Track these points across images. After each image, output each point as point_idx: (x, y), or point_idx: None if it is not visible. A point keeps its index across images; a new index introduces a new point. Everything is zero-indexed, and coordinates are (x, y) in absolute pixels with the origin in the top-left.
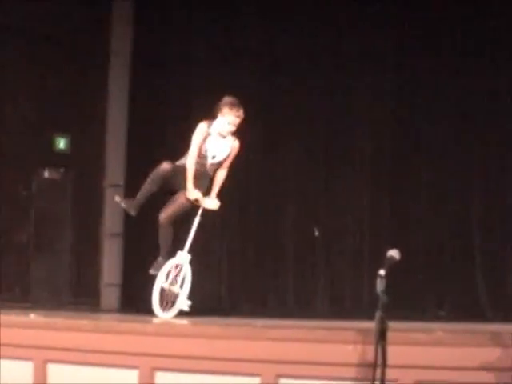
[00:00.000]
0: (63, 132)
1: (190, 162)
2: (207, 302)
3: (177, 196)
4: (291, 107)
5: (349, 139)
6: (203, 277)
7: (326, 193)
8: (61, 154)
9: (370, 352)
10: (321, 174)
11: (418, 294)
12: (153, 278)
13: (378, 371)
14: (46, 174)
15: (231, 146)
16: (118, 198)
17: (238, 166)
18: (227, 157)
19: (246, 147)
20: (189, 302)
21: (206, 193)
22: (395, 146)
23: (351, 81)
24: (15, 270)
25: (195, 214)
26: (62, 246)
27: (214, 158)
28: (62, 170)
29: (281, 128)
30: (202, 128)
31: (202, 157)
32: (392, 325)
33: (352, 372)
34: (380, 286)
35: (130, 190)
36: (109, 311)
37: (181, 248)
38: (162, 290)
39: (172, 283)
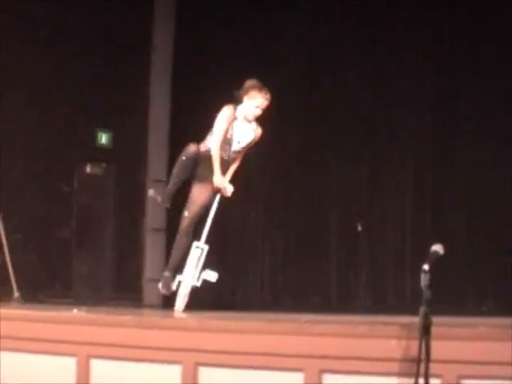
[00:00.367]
0: (105, 127)
1: (215, 147)
2: (250, 297)
3: (195, 193)
4: (332, 100)
5: (392, 135)
6: (246, 272)
7: (369, 188)
8: (103, 149)
9: (413, 347)
10: (364, 169)
11: (460, 289)
12: None
13: (422, 366)
14: (88, 170)
15: (255, 131)
16: (151, 192)
17: (279, 161)
18: (250, 143)
19: (287, 142)
20: (215, 274)
21: None
22: (438, 142)
23: (395, 77)
24: (57, 266)
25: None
26: (103, 242)
27: (238, 143)
28: (104, 165)
29: (321, 123)
30: (228, 112)
31: (226, 142)
32: (435, 320)
33: (395, 367)
34: (424, 280)
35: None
36: (151, 307)
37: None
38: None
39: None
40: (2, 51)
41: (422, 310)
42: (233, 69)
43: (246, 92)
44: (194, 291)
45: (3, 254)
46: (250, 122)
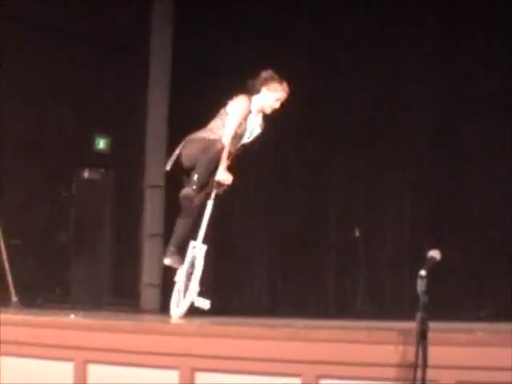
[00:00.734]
0: (103, 132)
1: (227, 139)
2: (248, 302)
3: None
4: (330, 105)
5: (390, 142)
6: (244, 278)
7: (367, 193)
8: (101, 155)
9: (410, 352)
10: (362, 174)
11: (458, 295)
12: None
13: (419, 372)
14: (86, 175)
15: (261, 125)
16: (168, 261)
17: (276, 167)
18: (256, 137)
19: (288, 145)
20: (207, 302)
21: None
22: (437, 148)
23: (395, 80)
24: (55, 271)
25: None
26: (101, 247)
27: (248, 137)
28: (102, 170)
29: (320, 127)
30: (245, 103)
31: (237, 135)
32: (432, 325)
33: (392, 373)
34: (421, 286)
35: (170, 191)
36: (149, 312)
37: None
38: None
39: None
40: None
41: (419, 315)
42: (232, 72)
43: (266, 83)
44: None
45: (2, 258)
46: (263, 114)
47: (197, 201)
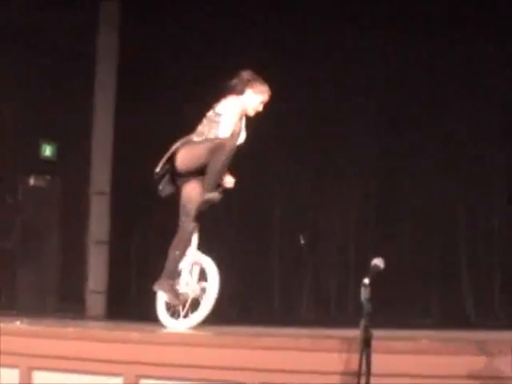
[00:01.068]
0: (49, 139)
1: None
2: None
3: (196, 186)
4: (281, 112)
5: (337, 148)
6: None
7: (312, 200)
8: (47, 162)
9: (354, 360)
10: (308, 181)
11: (404, 302)
12: (139, 285)
13: (363, 380)
14: (32, 182)
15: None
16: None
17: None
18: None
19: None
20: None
21: None
22: (383, 155)
23: (344, 84)
24: (1, 278)
25: None
26: (48, 254)
27: (242, 139)
28: (48, 177)
29: (268, 135)
30: (238, 103)
31: (234, 136)
32: (377, 333)
33: (336, 380)
34: (364, 294)
35: (116, 198)
36: (94, 318)
37: None
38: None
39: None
40: None
41: (363, 323)
42: (178, 80)
43: (250, 84)
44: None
45: None
46: (247, 118)
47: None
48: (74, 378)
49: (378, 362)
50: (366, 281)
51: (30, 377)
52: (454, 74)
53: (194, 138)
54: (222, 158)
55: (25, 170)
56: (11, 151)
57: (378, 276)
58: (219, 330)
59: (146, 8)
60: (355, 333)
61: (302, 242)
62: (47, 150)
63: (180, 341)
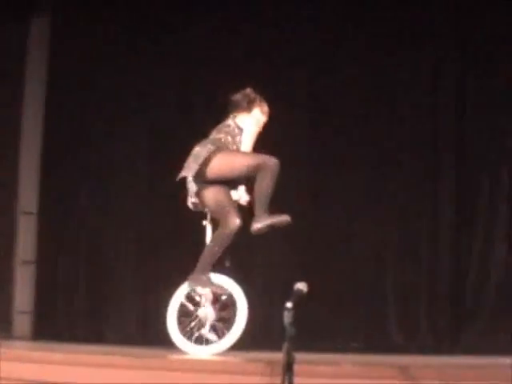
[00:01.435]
0: None
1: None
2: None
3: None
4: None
5: None
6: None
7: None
8: None
9: None
10: None
11: (331, 326)
12: (66, 305)
13: None
14: None
15: None
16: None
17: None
18: None
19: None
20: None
21: None
22: (310, 181)
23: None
24: None
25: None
26: None
27: None
28: None
29: None
30: (256, 122)
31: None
32: (301, 357)
33: None
34: (287, 318)
35: (43, 218)
36: (21, 338)
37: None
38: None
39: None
40: None
41: (285, 347)
42: (111, 98)
43: (258, 103)
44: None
45: None
46: None
47: None
48: None
49: None
50: (289, 305)
51: None
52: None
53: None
54: (272, 180)
55: None
56: None
57: (302, 300)
58: (144, 353)
59: (78, 24)
60: (279, 356)
61: (227, 264)
62: None
63: (101, 363)
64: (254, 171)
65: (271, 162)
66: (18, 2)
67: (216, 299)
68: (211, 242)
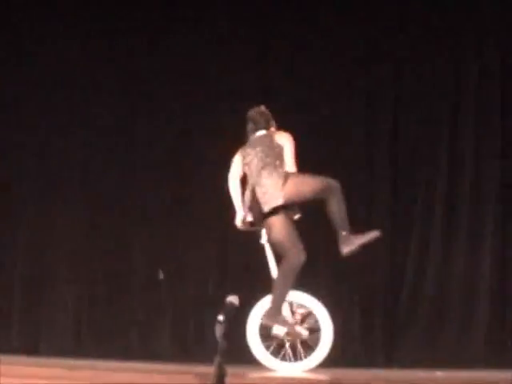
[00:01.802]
0: None
1: None
2: (53, 343)
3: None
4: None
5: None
6: (51, 315)
7: (172, 235)
8: None
9: None
10: (166, 216)
11: None
12: None
13: None
14: None
15: None
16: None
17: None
18: None
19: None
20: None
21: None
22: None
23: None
24: None
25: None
26: None
27: None
28: None
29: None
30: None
31: None
32: (233, 370)
33: None
34: (219, 331)
35: None
36: None
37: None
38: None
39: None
40: None
41: (217, 360)
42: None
43: (273, 122)
44: None
45: None
46: None
47: None
48: None
49: None
50: (221, 318)
51: None
52: None
53: (271, 168)
54: (343, 200)
55: None
56: None
57: (234, 313)
58: (75, 364)
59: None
60: (210, 369)
61: (161, 276)
62: None
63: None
64: (320, 195)
65: (334, 183)
66: None
67: (303, 319)
68: (281, 278)
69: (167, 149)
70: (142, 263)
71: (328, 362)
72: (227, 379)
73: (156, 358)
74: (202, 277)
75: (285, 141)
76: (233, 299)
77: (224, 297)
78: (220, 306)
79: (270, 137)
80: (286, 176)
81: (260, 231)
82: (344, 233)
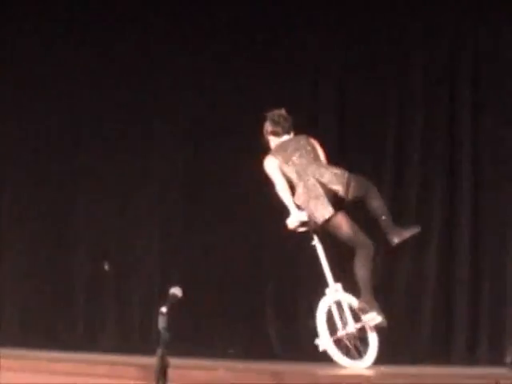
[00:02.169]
0: None
1: None
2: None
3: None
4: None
5: (143, 171)
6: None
7: (117, 226)
8: None
9: None
10: (113, 207)
11: (209, 332)
12: None
13: None
14: None
15: None
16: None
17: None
18: None
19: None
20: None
21: None
22: (189, 174)
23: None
24: None
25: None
26: None
27: None
28: None
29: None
30: None
31: None
32: (177, 362)
33: None
34: (162, 322)
35: None
36: None
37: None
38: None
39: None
40: None
41: (159, 351)
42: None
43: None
44: None
45: None
46: None
47: None
48: None
49: None
50: (164, 309)
51: None
52: None
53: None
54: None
55: None
56: None
57: (179, 305)
58: (20, 354)
59: None
60: (152, 361)
61: (106, 268)
62: None
63: None
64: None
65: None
66: None
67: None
68: (363, 267)
69: None
70: (87, 256)
71: (274, 356)
72: (170, 371)
73: (101, 349)
74: (147, 269)
75: (318, 147)
76: (176, 291)
77: (168, 289)
78: (164, 298)
79: (305, 140)
80: (353, 178)
81: (311, 233)
82: (391, 225)
